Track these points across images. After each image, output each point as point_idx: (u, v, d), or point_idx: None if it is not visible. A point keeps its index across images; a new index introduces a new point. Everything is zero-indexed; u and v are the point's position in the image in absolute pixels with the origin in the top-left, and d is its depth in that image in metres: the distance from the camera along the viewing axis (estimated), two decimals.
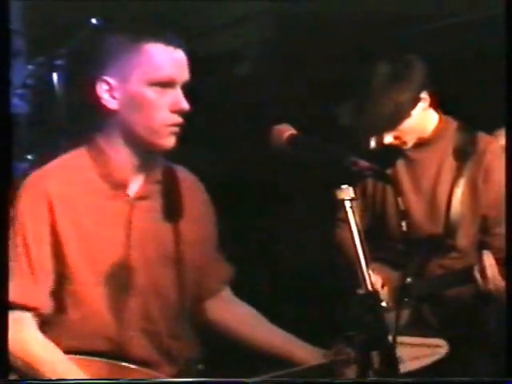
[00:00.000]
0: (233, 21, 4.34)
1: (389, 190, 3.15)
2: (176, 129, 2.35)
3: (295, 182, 3.87)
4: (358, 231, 1.98)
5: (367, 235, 2.05)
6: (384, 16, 3.91)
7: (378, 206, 3.23)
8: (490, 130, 3.24)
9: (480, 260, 2.97)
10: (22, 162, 3.53)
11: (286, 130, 2.15)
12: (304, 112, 3.74)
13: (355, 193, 2.01)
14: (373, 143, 3.08)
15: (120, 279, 2.37)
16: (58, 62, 3.73)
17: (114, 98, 2.35)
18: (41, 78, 3.74)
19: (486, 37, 3.35)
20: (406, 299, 3.06)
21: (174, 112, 2.34)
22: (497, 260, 2.94)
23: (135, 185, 2.42)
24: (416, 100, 3.05)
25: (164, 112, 2.33)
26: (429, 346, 2.43)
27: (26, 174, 2.41)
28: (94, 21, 3.65)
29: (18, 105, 3.66)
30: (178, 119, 2.35)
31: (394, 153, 3.17)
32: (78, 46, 3.61)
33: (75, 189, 2.36)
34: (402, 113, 3.02)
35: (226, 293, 2.64)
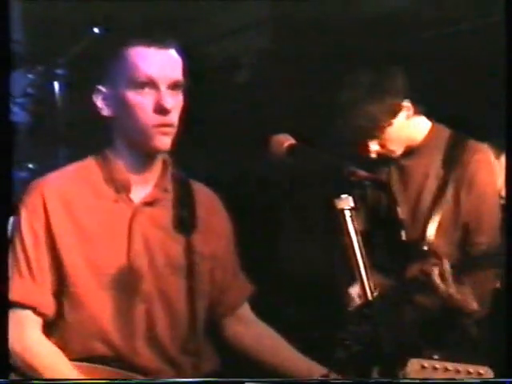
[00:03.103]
0: (232, 29, 4.35)
1: (382, 197, 3.16)
2: (165, 129, 2.33)
3: (294, 192, 3.88)
4: (358, 240, 1.99)
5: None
6: (384, 23, 3.92)
7: (369, 213, 3.24)
8: (488, 137, 3.24)
9: (440, 264, 2.96)
10: (22, 170, 3.54)
11: (286, 140, 2.16)
12: (303, 120, 3.75)
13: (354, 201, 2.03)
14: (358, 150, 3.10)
15: (122, 284, 2.35)
16: (59, 71, 3.75)
17: (107, 105, 2.38)
18: (41, 87, 3.75)
19: (486, 45, 3.36)
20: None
21: (156, 112, 2.32)
22: (452, 266, 2.94)
23: (142, 191, 2.42)
24: (397, 109, 3.07)
25: (147, 113, 2.32)
26: (472, 373, 2.41)
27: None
28: (95, 29, 3.67)
29: (19, 114, 3.68)
30: (163, 119, 2.32)
31: (387, 161, 3.18)
32: (78, 54, 3.63)
33: (77, 192, 2.38)
34: (380, 122, 3.04)
35: (245, 311, 2.60)
